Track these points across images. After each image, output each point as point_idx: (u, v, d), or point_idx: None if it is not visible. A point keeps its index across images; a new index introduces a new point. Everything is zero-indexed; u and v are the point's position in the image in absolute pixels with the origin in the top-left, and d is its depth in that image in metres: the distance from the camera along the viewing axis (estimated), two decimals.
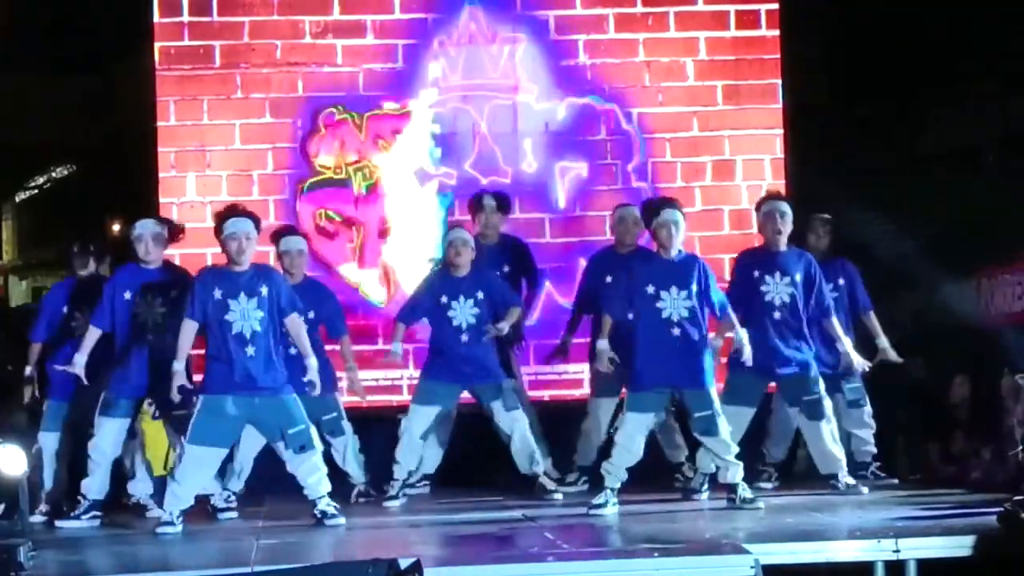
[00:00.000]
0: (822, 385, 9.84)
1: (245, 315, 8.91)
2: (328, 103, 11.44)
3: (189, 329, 8.98)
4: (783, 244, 9.84)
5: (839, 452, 9.90)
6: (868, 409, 10.35)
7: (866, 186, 12.40)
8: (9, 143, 15.80)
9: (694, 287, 9.22)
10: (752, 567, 7.33)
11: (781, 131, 11.64)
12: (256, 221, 9.06)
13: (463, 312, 9.97)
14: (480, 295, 9.99)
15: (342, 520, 9.07)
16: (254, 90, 11.47)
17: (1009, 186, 12.19)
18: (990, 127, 13.04)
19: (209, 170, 11.42)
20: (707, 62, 11.66)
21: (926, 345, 11.36)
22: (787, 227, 9.82)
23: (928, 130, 13.42)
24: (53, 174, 19.23)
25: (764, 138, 11.64)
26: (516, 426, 10.04)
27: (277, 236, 10.15)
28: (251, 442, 9.74)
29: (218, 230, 9.00)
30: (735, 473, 9.34)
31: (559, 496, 10.02)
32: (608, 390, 10.26)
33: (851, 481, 9.88)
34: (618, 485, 9.32)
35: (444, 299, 10.00)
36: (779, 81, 11.65)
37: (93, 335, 9.41)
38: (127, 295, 9.48)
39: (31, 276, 22.55)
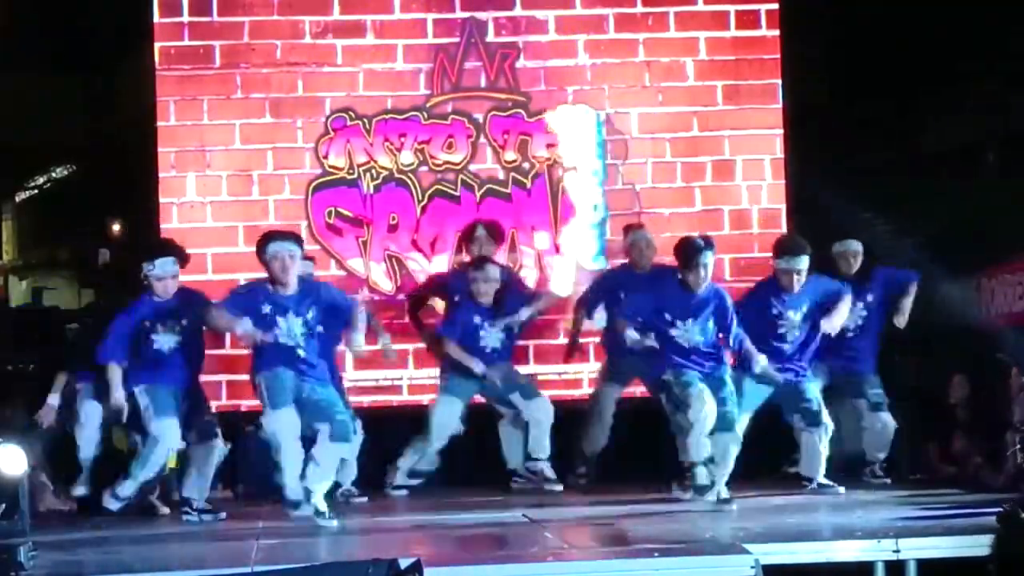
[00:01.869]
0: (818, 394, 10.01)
1: (291, 333, 9.17)
2: (338, 109, 11.44)
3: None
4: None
5: (823, 458, 10.02)
6: (886, 416, 10.39)
7: (866, 186, 12.40)
8: (9, 143, 15.79)
9: (710, 323, 9.44)
10: (752, 567, 7.34)
11: (781, 131, 11.63)
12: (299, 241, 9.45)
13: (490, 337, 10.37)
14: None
15: (334, 523, 9.08)
16: (254, 90, 11.46)
17: (1009, 186, 12.19)
18: (990, 127, 13.04)
19: (209, 170, 11.41)
20: (707, 62, 11.65)
21: (926, 345, 11.36)
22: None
23: (928, 130, 13.41)
24: (53, 174, 19.23)
25: (764, 138, 11.63)
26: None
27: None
28: None
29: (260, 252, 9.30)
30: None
31: (559, 488, 10.19)
32: (619, 377, 10.48)
33: (825, 481, 9.96)
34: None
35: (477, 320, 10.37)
36: (779, 81, 11.64)
37: (116, 373, 9.47)
38: (147, 325, 9.57)
39: (31, 276, 22.55)
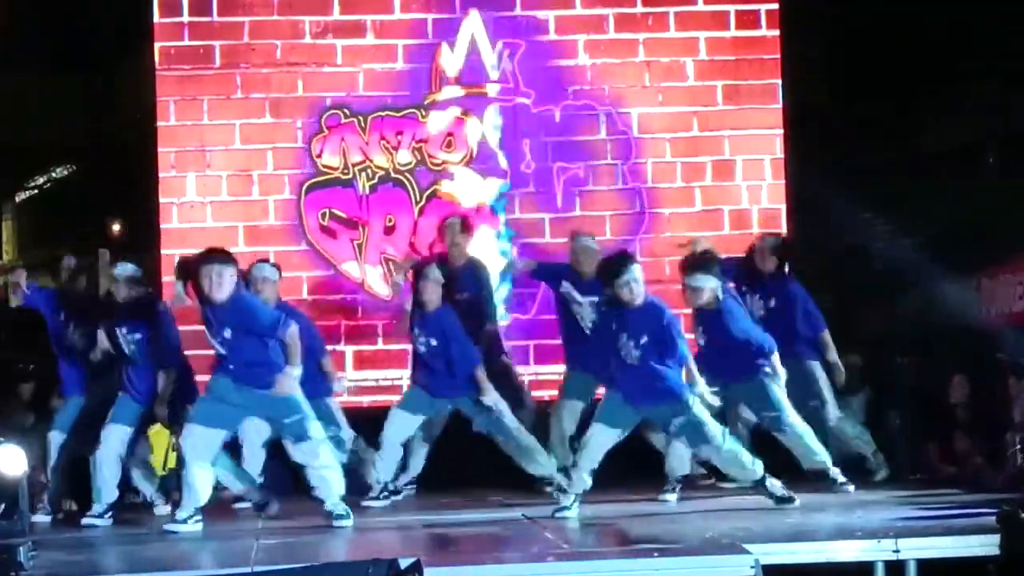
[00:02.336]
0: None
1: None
2: (332, 105, 11.44)
3: None
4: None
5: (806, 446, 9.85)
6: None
7: (866, 186, 12.40)
8: (9, 143, 15.76)
9: (647, 337, 9.07)
10: (752, 567, 7.33)
11: (781, 131, 11.64)
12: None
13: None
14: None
15: (348, 522, 9.09)
16: (254, 90, 11.47)
17: (1010, 186, 12.17)
18: (990, 127, 13.02)
19: (209, 170, 11.43)
20: (707, 62, 11.66)
21: (926, 345, 11.36)
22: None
23: (928, 130, 13.39)
24: (53, 174, 19.18)
25: (764, 138, 11.64)
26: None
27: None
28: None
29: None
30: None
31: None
32: (578, 392, 10.28)
33: (836, 474, 9.88)
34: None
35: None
36: (779, 81, 11.65)
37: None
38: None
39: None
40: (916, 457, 10.80)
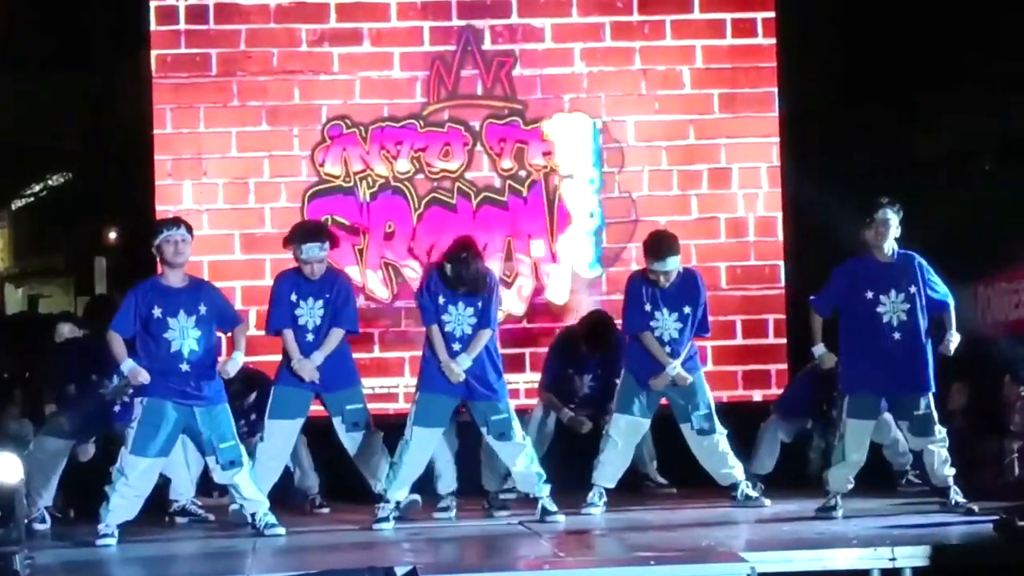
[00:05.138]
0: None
1: (184, 333, 8.92)
2: (334, 117, 11.44)
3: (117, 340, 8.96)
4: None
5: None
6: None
7: (864, 192, 12.37)
8: (7, 146, 15.81)
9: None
10: (748, 575, 7.33)
11: (777, 139, 11.64)
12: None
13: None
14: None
15: (281, 531, 9.05)
16: (251, 98, 11.47)
17: (1008, 192, 12.16)
18: (989, 132, 13.01)
19: (205, 178, 11.42)
20: (703, 70, 11.66)
21: None
22: None
23: (926, 135, 13.38)
24: (49, 182, 19.24)
25: (760, 146, 11.64)
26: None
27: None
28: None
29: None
30: None
31: (561, 518, 9.52)
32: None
33: (752, 493, 9.83)
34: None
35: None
36: (775, 89, 11.65)
37: None
38: None
39: (27, 284, 22.57)
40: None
